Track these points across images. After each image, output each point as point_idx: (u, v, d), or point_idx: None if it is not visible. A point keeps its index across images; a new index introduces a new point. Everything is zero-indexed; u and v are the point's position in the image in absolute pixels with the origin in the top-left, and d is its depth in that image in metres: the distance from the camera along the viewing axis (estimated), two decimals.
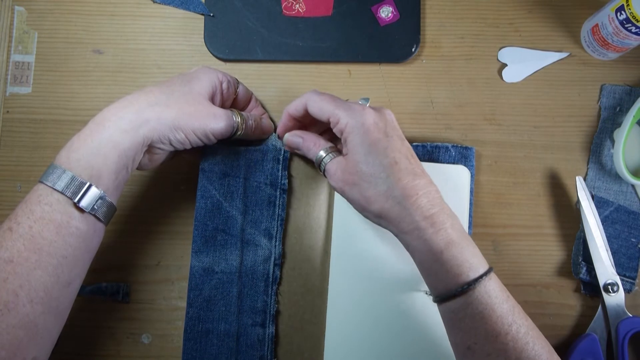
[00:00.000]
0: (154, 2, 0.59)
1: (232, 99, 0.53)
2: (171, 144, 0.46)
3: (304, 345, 0.52)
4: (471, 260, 0.42)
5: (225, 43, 0.57)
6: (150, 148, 0.46)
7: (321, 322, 0.52)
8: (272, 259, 0.52)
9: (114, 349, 0.54)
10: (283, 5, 0.57)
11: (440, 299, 0.43)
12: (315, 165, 0.49)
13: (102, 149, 0.43)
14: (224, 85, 0.50)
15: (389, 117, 0.46)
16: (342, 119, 0.45)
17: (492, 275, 0.42)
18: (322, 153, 0.48)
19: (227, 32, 0.57)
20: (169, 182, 0.56)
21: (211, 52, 0.57)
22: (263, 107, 0.57)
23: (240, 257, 0.52)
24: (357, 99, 0.57)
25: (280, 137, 0.52)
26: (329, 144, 0.48)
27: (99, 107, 0.56)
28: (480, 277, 0.41)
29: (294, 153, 0.53)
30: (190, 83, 0.47)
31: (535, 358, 0.40)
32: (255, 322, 0.51)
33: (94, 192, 0.42)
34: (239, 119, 0.49)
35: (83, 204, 0.42)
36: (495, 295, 0.41)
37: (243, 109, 0.55)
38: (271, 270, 0.52)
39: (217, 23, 0.57)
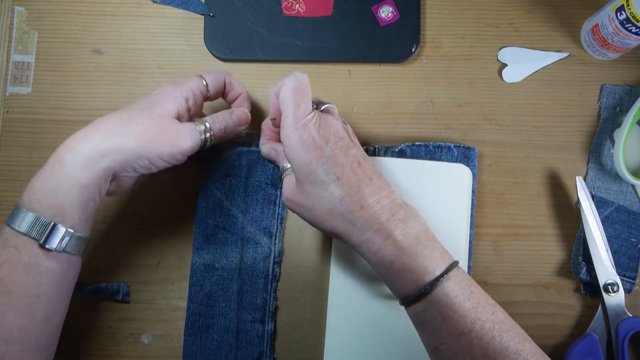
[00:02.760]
0: (154, 2, 0.59)
1: (203, 103, 0.51)
2: (136, 171, 0.46)
3: (303, 343, 0.53)
4: (425, 265, 0.41)
5: (225, 43, 0.57)
6: (115, 176, 0.45)
7: (321, 320, 0.52)
8: (272, 256, 0.53)
9: (114, 349, 0.54)
10: (283, 5, 0.57)
11: (402, 303, 0.43)
12: (279, 177, 0.48)
13: (61, 188, 0.42)
14: (190, 103, 0.48)
15: (333, 126, 0.44)
16: (284, 128, 0.43)
17: (452, 274, 0.41)
18: (287, 165, 0.47)
19: (227, 32, 0.57)
20: (169, 182, 0.56)
21: (211, 52, 0.57)
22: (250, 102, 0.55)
23: (240, 255, 0.53)
24: (353, 99, 0.57)
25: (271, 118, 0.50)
26: None
27: (99, 107, 0.57)
28: (437, 279, 0.41)
29: (273, 164, 0.53)
30: (151, 108, 0.45)
31: (502, 351, 0.39)
32: (254, 319, 0.52)
33: (59, 230, 0.42)
34: (202, 128, 0.47)
35: (49, 244, 0.42)
36: (455, 295, 0.41)
37: (226, 97, 0.53)
38: (271, 268, 0.53)
39: (217, 23, 0.57)
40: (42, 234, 0.41)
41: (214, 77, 0.51)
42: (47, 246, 0.42)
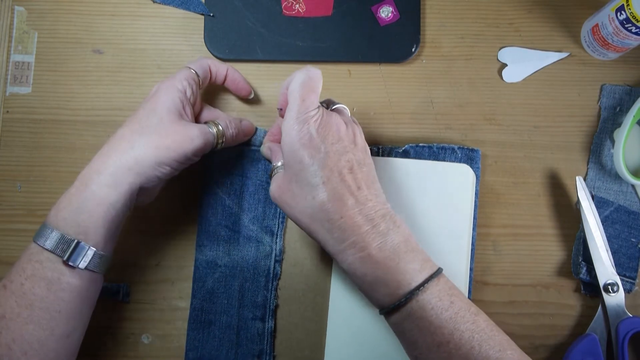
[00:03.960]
0: (154, 2, 0.59)
1: (199, 92, 0.51)
2: (159, 179, 0.46)
3: (304, 342, 0.53)
4: (399, 278, 0.41)
5: (225, 43, 0.57)
6: (142, 188, 0.46)
7: (322, 319, 0.52)
8: (273, 255, 0.53)
9: (114, 349, 0.54)
10: (283, 5, 0.57)
11: (380, 314, 0.43)
12: (269, 175, 0.49)
13: (86, 206, 0.43)
14: (188, 93, 0.48)
15: (334, 126, 0.43)
16: (285, 120, 0.43)
17: (431, 284, 0.41)
18: (278, 163, 0.47)
19: (227, 32, 0.57)
20: (170, 182, 0.56)
21: (211, 52, 0.57)
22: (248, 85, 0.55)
23: (242, 253, 0.53)
24: (353, 99, 0.57)
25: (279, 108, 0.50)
26: None
27: (99, 107, 0.57)
28: (411, 292, 0.40)
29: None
30: (156, 111, 0.46)
31: None
32: (255, 316, 0.53)
33: (83, 248, 0.43)
34: (214, 130, 0.49)
35: (72, 261, 0.42)
36: (431, 307, 0.40)
37: (216, 81, 0.53)
38: (272, 266, 0.53)
39: (217, 23, 0.57)
40: (66, 251, 0.42)
41: (199, 64, 0.51)
42: (70, 263, 0.42)
